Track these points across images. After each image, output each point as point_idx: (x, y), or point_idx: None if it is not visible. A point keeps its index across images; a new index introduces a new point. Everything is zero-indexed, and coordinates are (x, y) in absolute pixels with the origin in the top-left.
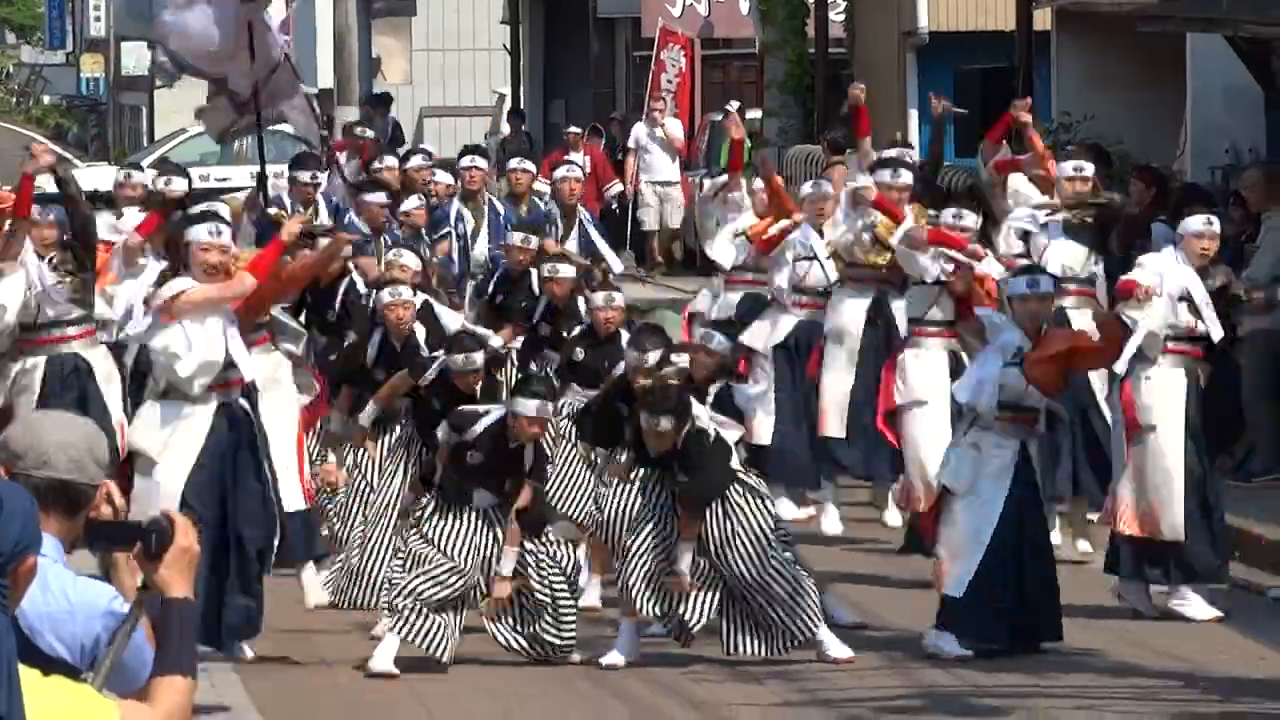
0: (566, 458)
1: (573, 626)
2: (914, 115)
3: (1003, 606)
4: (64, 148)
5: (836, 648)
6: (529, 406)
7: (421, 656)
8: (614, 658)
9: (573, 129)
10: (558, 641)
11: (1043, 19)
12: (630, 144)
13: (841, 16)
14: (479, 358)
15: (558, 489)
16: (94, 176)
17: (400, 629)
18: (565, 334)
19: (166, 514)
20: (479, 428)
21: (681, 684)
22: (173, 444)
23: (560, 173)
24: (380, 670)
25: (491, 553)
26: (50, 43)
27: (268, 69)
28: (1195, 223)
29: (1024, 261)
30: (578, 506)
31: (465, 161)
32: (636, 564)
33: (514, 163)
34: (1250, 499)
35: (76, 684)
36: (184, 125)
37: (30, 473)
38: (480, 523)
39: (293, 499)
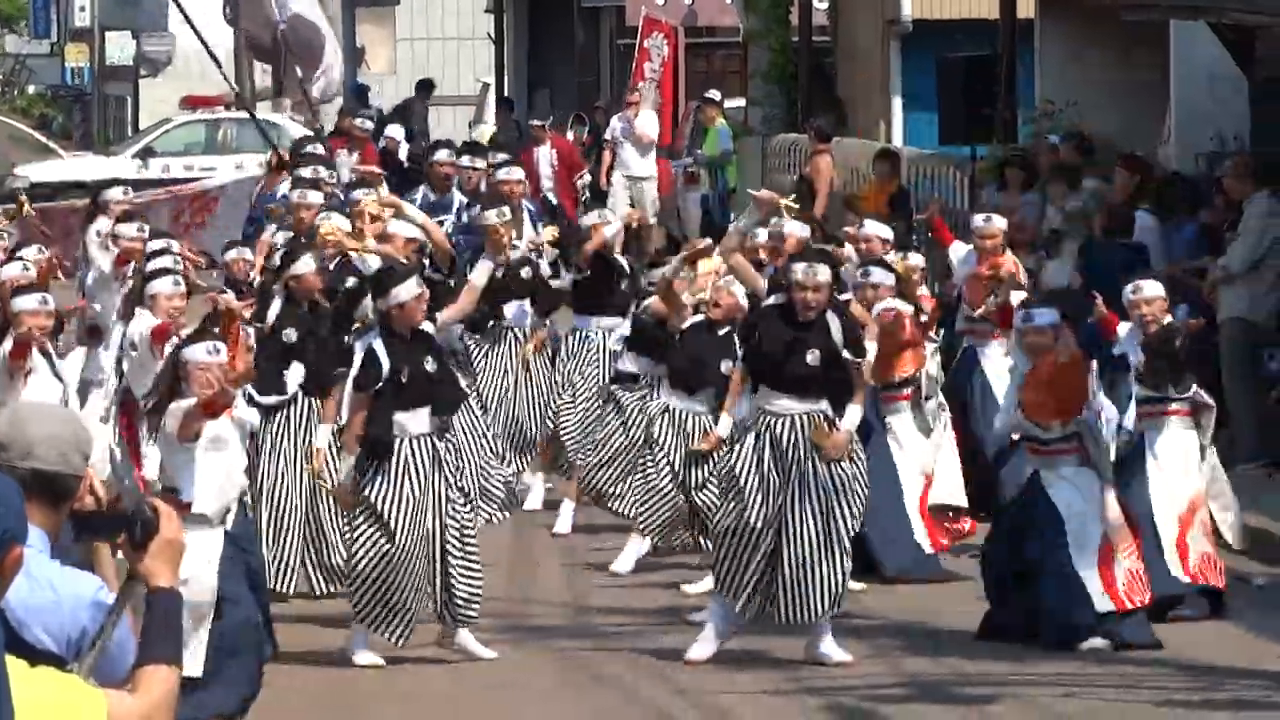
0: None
1: (475, 585)
2: (898, 103)
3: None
4: (48, 137)
5: (835, 651)
6: (404, 291)
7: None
8: (703, 649)
9: (535, 122)
10: (462, 598)
11: (1026, 7)
12: (607, 135)
13: (825, 4)
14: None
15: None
16: (79, 166)
17: (365, 620)
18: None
19: (151, 503)
20: (379, 354)
21: (664, 670)
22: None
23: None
24: (365, 663)
25: (436, 523)
26: (35, 32)
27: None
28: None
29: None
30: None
31: (464, 161)
32: (746, 563)
33: (503, 173)
34: (1234, 489)
35: (64, 674)
36: (168, 115)
37: (15, 464)
38: (420, 483)
39: None
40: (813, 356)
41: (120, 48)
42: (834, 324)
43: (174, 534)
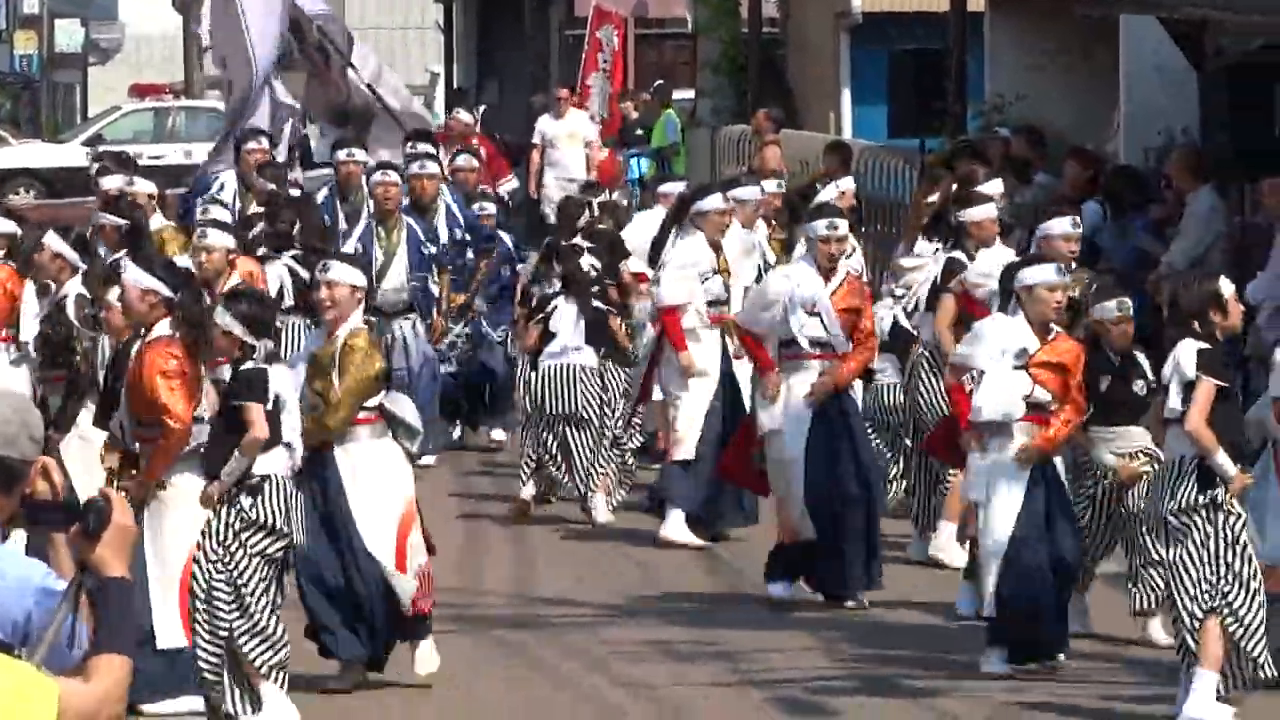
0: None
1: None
2: (847, 96)
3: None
4: None
5: None
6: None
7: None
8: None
9: (461, 114)
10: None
11: (976, 0)
12: (535, 138)
13: None
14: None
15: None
16: (27, 153)
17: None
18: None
19: (104, 493)
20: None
21: (612, 663)
22: None
23: (413, 169)
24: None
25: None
26: None
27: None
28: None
29: None
30: None
31: (414, 169)
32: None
33: (462, 160)
34: None
35: (15, 661)
36: (116, 104)
37: None
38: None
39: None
40: None
41: (69, 35)
42: None
43: (126, 522)
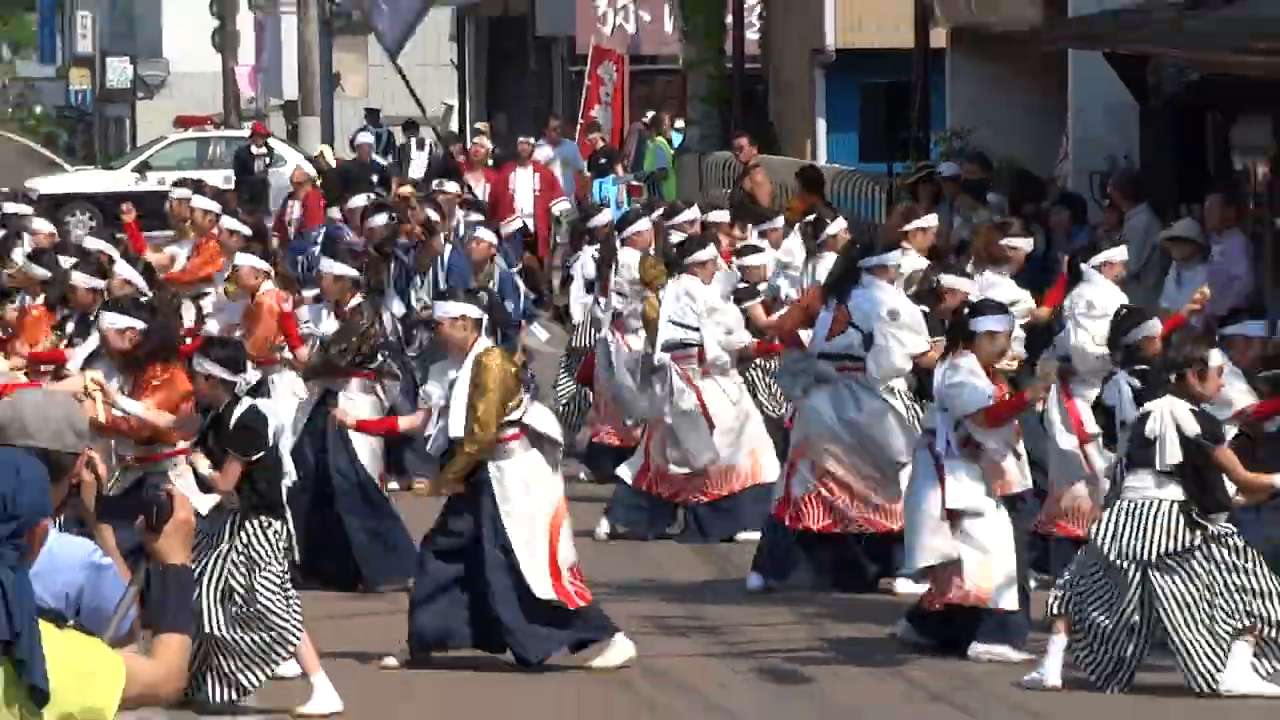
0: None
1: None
2: (821, 125)
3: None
4: (55, 153)
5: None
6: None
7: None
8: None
9: (484, 142)
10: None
11: (939, 38)
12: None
13: (757, 35)
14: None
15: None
16: (83, 179)
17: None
18: None
19: (168, 490)
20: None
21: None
22: None
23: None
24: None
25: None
26: (42, 58)
27: None
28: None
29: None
30: None
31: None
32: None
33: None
34: None
35: (88, 637)
36: (162, 134)
37: (14, 442)
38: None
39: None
40: None
41: (119, 72)
42: None
43: (186, 516)
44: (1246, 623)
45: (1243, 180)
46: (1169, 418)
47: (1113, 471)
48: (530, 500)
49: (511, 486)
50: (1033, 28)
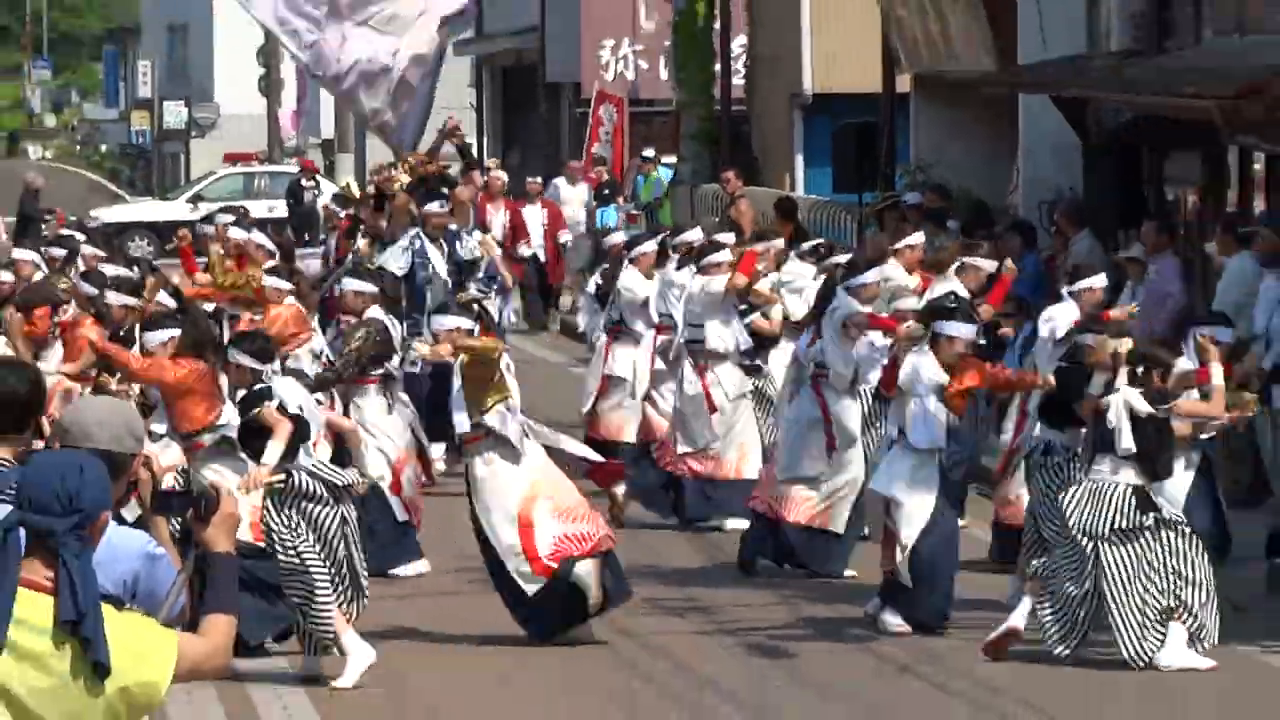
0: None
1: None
2: (799, 160)
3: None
4: (118, 186)
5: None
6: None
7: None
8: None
9: (501, 174)
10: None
11: (904, 83)
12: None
13: (742, 81)
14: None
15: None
16: (142, 210)
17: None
18: None
19: (215, 485)
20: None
21: (606, 615)
22: None
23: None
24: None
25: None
26: (107, 102)
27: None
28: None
29: None
30: None
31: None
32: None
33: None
34: None
35: (145, 618)
36: (213, 169)
37: (77, 444)
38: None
39: None
40: None
41: (175, 114)
42: None
43: (231, 509)
44: (1174, 603)
45: (1174, 209)
46: (1124, 409)
47: (1084, 456)
48: (495, 498)
49: (477, 483)
50: (986, 74)
